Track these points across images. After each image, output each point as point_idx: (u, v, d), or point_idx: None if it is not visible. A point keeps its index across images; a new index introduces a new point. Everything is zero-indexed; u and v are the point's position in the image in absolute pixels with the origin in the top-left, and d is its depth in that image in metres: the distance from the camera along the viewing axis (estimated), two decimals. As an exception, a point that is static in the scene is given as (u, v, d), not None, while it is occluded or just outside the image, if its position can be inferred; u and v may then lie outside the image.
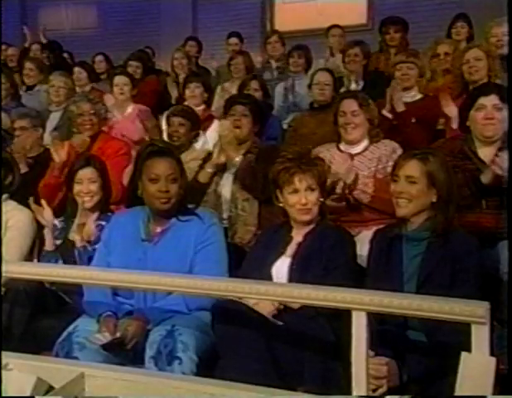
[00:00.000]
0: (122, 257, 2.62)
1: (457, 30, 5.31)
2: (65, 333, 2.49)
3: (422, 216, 2.44)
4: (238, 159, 3.35)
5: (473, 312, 1.61)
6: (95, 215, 3.12)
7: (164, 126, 4.23)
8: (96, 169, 3.15)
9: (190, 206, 2.80)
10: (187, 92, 4.78)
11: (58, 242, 3.12)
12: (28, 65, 5.74)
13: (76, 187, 3.13)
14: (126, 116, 4.70)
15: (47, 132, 4.54)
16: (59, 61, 6.46)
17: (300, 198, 2.60)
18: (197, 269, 2.57)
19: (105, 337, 2.42)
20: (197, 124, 3.99)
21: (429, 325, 2.09)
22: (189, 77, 5.08)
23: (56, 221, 3.19)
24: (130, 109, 4.78)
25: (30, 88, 5.68)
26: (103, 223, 3.03)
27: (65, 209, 3.25)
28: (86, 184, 3.11)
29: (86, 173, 3.13)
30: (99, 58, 6.26)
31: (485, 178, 2.79)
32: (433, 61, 4.65)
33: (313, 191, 2.61)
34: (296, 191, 2.61)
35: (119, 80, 4.90)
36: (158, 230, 2.69)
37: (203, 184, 3.43)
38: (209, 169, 3.43)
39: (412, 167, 2.43)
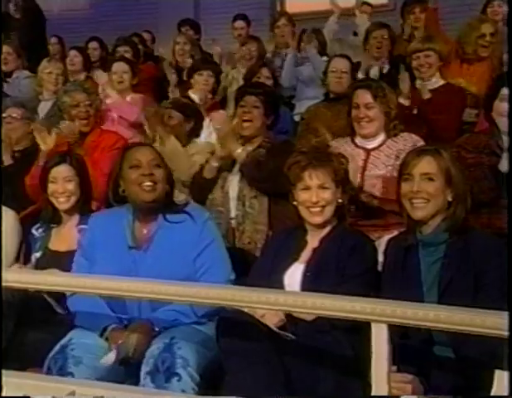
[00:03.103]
0: (108, 268, 2.55)
1: (494, 9, 5.21)
2: (57, 346, 2.49)
3: (438, 217, 2.43)
4: (240, 151, 3.33)
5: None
6: (75, 219, 3.10)
7: None
8: (72, 167, 3.12)
9: (178, 202, 2.81)
10: (199, 80, 4.79)
11: (38, 255, 3.10)
12: (6, 48, 5.65)
13: (51, 187, 3.10)
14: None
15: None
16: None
17: (311, 196, 2.60)
18: (201, 273, 2.61)
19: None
20: (194, 117, 4.04)
21: (457, 339, 2.09)
22: (199, 64, 5.09)
23: (33, 230, 3.16)
24: (129, 98, 4.78)
25: (7, 75, 5.58)
26: (86, 227, 2.99)
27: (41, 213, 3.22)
28: (61, 183, 3.09)
29: (61, 171, 3.11)
30: (93, 44, 6.19)
31: (503, 166, 2.79)
32: (479, 42, 4.62)
33: (326, 190, 2.61)
34: (307, 188, 2.61)
35: (118, 67, 4.88)
36: (145, 231, 2.69)
37: (209, 180, 3.43)
38: (214, 163, 3.43)
39: (429, 164, 2.43)
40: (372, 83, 3.48)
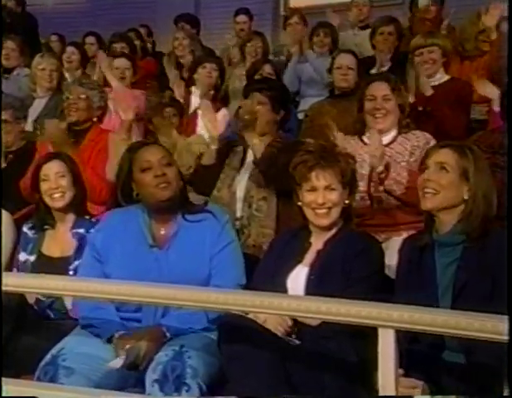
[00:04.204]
0: (127, 266, 2.62)
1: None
2: (48, 356, 2.48)
3: (455, 216, 2.41)
4: (256, 141, 3.34)
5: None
6: (70, 221, 3.09)
7: None
8: (64, 162, 3.12)
9: (196, 202, 2.85)
10: (203, 73, 4.83)
11: (32, 258, 3.08)
12: (10, 44, 5.63)
13: (44, 186, 3.08)
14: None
15: (29, 121, 4.53)
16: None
17: (317, 197, 2.60)
18: (213, 273, 2.64)
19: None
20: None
21: (468, 344, 2.09)
22: (203, 57, 5.14)
23: (25, 228, 3.14)
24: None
25: (7, 71, 5.56)
26: (82, 231, 3.02)
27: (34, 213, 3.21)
28: (54, 179, 3.07)
29: (52, 167, 3.10)
30: (90, 39, 6.19)
31: None
32: (479, 38, 4.63)
33: (333, 191, 2.61)
34: (313, 189, 2.61)
35: (120, 63, 4.91)
36: (162, 231, 2.71)
37: (209, 168, 3.44)
38: (212, 146, 3.44)
39: (447, 155, 2.41)
40: (390, 76, 3.52)
